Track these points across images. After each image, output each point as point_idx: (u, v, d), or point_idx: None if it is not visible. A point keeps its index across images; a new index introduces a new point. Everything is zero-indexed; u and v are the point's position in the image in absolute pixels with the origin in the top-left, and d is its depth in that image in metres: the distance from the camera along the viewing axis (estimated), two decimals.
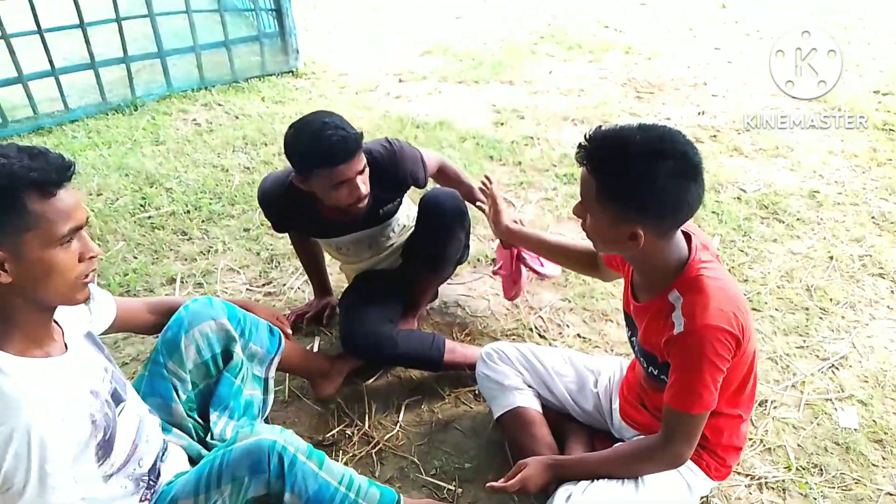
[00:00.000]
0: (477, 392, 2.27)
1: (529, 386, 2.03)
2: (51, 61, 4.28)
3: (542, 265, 2.38)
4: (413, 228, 2.48)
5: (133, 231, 3.20)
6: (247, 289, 2.85)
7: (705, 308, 1.49)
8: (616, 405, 1.96)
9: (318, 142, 1.94)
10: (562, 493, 1.69)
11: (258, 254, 3.05)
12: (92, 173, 3.68)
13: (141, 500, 1.52)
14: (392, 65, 5.25)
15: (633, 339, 1.76)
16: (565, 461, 1.80)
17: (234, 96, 4.69)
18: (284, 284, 2.86)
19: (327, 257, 2.66)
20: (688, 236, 1.59)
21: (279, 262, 3.00)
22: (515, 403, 1.98)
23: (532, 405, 1.99)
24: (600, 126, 1.49)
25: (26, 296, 1.28)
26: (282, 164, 3.78)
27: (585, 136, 1.48)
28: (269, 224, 2.43)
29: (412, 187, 2.36)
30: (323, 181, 2.01)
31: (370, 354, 2.32)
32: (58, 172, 1.25)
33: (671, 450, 1.61)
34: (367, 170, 2.08)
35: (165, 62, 4.67)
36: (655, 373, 1.67)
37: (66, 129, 4.26)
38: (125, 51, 4.52)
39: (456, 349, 2.34)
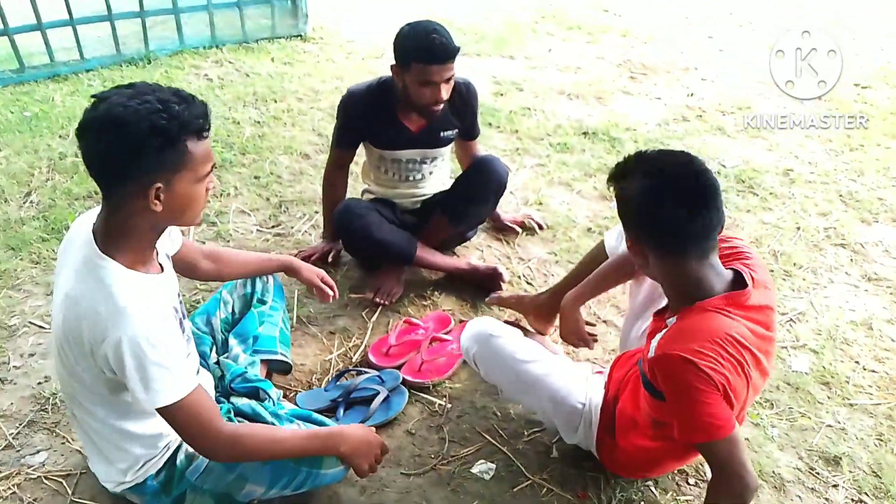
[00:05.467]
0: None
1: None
2: (69, 11, 4.43)
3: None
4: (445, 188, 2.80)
5: None
6: (257, 230, 3.06)
7: (677, 335, 1.46)
8: None
9: (424, 40, 2.29)
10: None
11: (268, 199, 3.26)
12: None
13: None
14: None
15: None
16: None
17: (245, 55, 4.86)
18: (293, 227, 3.07)
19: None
20: (742, 287, 1.52)
21: (287, 208, 3.20)
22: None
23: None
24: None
25: (157, 221, 1.46)
26: (290, 120, 3.98)
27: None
28: (339, 128, 2.66)
29: (463, 138, 2.76)
30: (415, 75, 2.34)
31: (353, 233, 2.58)
32: (205, 119, 1.41)
33: (726, 482, 1.49)
34: (452, 84, 2.42)
35: (179, 19, 4.83)
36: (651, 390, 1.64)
37: (82, 78, 4.42)
38: (141, 5, 4.66)
39: (427, 249, 2.66)
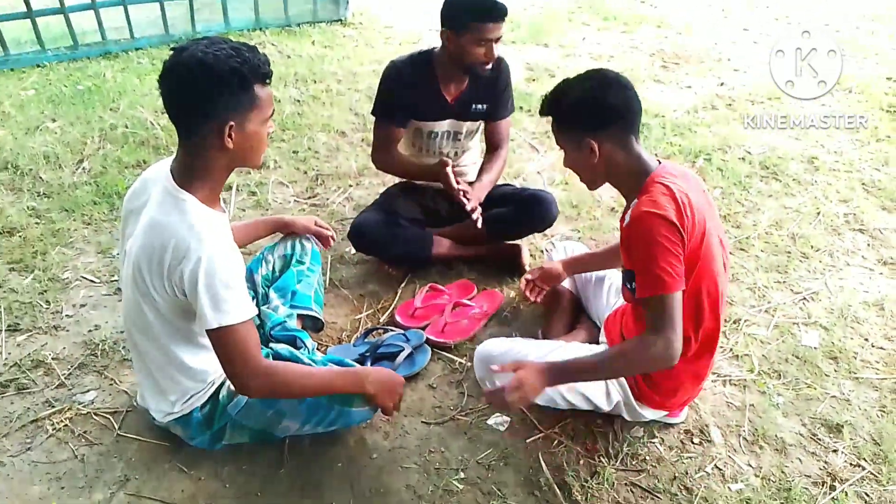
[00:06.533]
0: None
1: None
2: None
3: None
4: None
5: None
6: (294, 200, 3.22)
7: (642, 202, 1.71)
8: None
9: (480, 1, 2.41)
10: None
11: (305, 172, 3.42)
12: (156, 94, 4.04)
13: None
14: (435, 21, 5.48)
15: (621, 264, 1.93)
16: (559, 364, 1.84)
17: (287, 38, 5.04)
18: (328, 199, 3.23)
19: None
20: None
21: (324, 181, 3.37)
22: None
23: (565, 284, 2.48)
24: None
25: (231, 160, 1.63)
26: (329, 100, 4.14)
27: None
28: (384, 101, 2.67)
29: (491, 118, 2.77)
30: (472, 35, 2.43)
31: (367, 250, 2.74)
32: (268, 66, 1.59)
33: (660, 336, 1.68)
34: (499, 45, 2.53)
35: (225, 2, 5.03)
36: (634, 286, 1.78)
37: (132, 56, 4.65)
38: None
39: (443, 243, 2.75)
